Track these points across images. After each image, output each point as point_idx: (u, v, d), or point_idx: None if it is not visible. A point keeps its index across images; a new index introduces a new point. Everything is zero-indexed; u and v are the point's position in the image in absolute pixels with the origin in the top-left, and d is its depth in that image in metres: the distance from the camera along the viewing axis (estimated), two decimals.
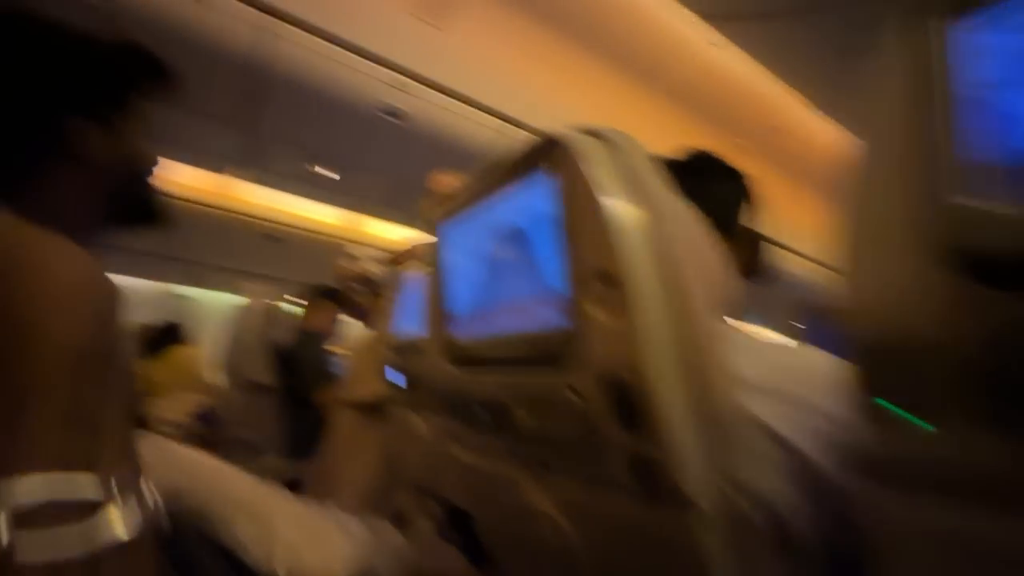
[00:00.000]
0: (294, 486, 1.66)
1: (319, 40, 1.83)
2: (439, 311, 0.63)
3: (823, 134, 2.49)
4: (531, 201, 0.46)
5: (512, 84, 2.17)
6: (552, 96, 2.24)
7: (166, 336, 3.00)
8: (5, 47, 0.55)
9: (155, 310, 4.32)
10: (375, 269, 1.37)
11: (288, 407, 1.70)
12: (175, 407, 2.45)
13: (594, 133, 0.43)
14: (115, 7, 1.57)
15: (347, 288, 1.35)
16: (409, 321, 1.07)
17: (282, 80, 1.90)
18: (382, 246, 3.68)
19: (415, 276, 1.08)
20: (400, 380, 1.05)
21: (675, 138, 2.47)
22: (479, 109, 2.19)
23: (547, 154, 0.44)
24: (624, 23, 2.00)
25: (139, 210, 0.66)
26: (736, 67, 2.13)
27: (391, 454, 1.25)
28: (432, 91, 2.08)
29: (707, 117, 2.38)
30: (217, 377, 2.42)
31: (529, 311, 0.47)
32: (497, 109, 2.21)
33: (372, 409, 1.42)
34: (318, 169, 2.62)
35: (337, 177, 2.69)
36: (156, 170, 0.68)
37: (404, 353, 1.03)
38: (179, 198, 3.06)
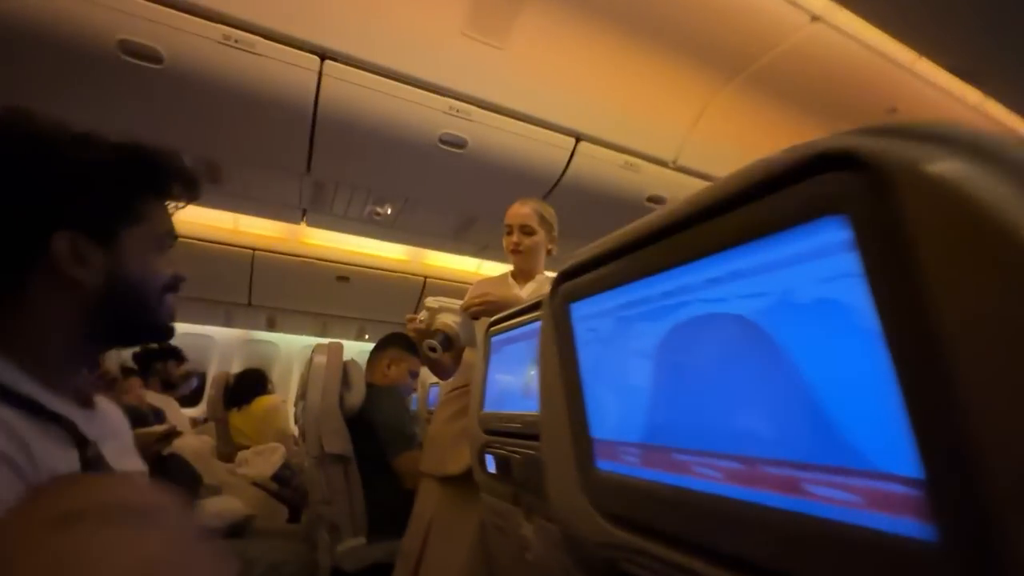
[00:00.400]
0: (377, 572, 1.52)
1: (373, 76, 1.73)
2: (579, 431, 0.42)
3: (952, 110, 2.08)
4: (796, 267, 0.25)
5: (580, 97, 1.97)
6: (627, 105, 2.02)
7: (251, 386, 3.04)
8: None
9: (238, 357, 4.51)
10: (454, 323, 1.19)
11: (366, 477, 1.55)
12: (260, 463, 2.43)
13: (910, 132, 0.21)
14: (169, 69, 1.54)
15: (424, 345, 1.18)
16: (506, 395, 0.88)
17: (340, 123, 1.82)
18: (451, 279, 3.62)
19: (509, 339, 0.89)
20: (494, 466, 0.86)
21: (780, 136, 2.17)
22: (545, 127, 2.01)
23: (832, 184, 0.23)
24: (700, 11, 1.75)
25: (141, 328, 0.59)
26: (842, 43, 1.80)
27: (489, 552, 1.07)
28: (493, 114, 1.93)
29: (812, 106, 2.05)
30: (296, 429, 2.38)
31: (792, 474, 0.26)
32: (565, 126, 2.03)
33: (463, 484, 1.24)
34: (380, 208, 2.56)
35: (398, 213, 2.61)
36: (174, 283, 0.61)
37: (501, 437, 0.83)
38: (256, 248, 3.13)
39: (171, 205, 0.62)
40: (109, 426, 0.60)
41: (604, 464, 0.39)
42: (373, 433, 1.57)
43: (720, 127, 2.20)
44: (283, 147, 1.98)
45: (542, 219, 1.44)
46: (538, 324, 0.81)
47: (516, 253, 1.43)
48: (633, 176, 2.23)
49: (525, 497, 0.78)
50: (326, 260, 3.34)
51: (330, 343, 1.60)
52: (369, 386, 1.67)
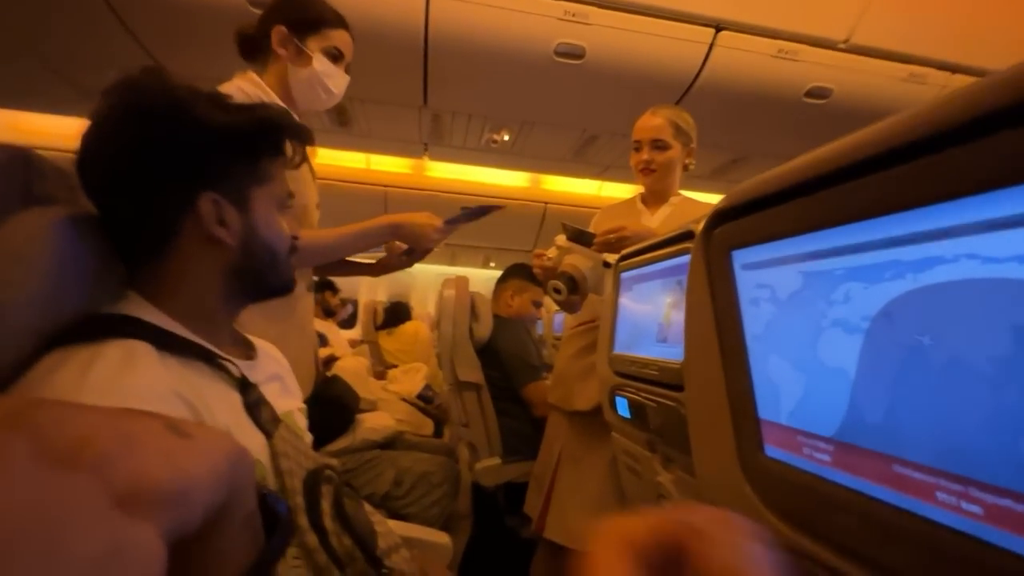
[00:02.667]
0: (511, 489, 1.63)
1: None
2: (742, 408, 0.35)
3: None
4: None
5: None
6: None
7: (397, 314, 3.38)
8: (142, 121, 0.52)
9: (381, 287, 5.01)
10: (583, 267, 1.12)
11: (498, 404, 1.63)
12: (407, 380, 2.72)
13: None
14: None
15: (548, 285, 1.14)
16: (639, 337, 0.81)
17: (451, 47, 1.74)
18: (572, 203, 3.51)
19: (643, 276, 0.80)
20: (627, 410, 0.81)
21: None
22: (676, 20, 1.71)
23: None
24: None
25: (271, 287, 0.62)
26: None
27: (620, 484, 1.05)
28: (614, 12, 1.68)
29: None
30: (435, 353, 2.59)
31: None
32: (702, 14, 1.71)
33: (591, 419, 1.23)
34: (496, 135, 2.49)
35: (515, 138, 2.52)
36: (295, 246, 0.63)
37: (634, 381, 0.78)
38: (388, 184, 3.31)
39: (287, 163, 0.63)
40: (270, 370, 0.66)
41: (776, 453, 0.32)
42: (501, 363, 1.63)
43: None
44: (399, 81, 1.97)
45: (677, 130, 1.25)
46: (675, 261, 0.71)
47: (647, 172, 1.27)
48: (788, 66, 1.84)
49: (661, 446, 0.73)
50: (449, 192, 3.43)
51: (457, 277, 1.64)
52: (495, 317, 1.71)
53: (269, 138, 0.58)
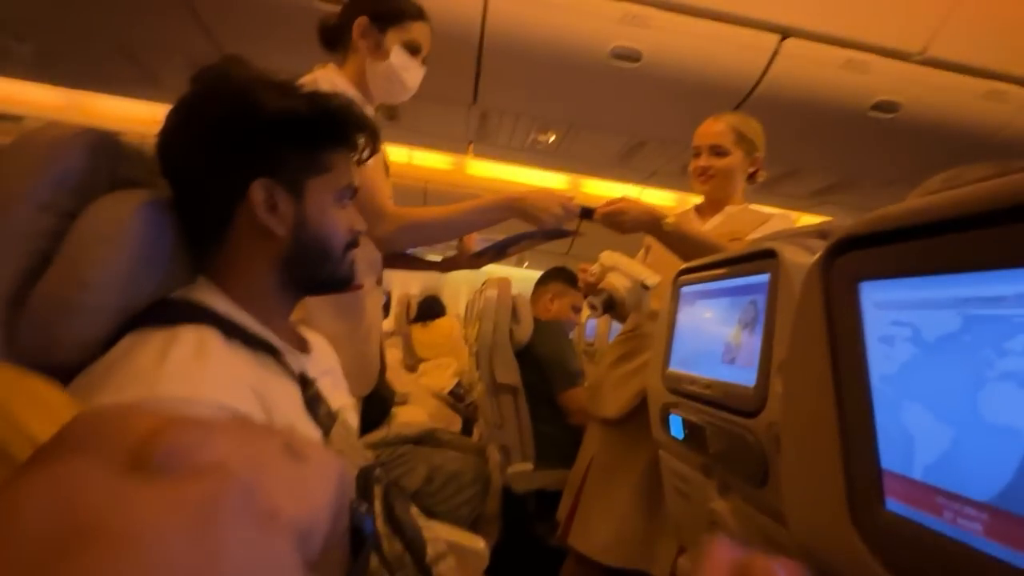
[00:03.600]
0: (542, 496, 1.61)
1: None
2: (859, 454, 0.32)
3: None
4: None
5: None
6: None
7: (431, 308, 3.40)
8: (207, 104, 0.53)
9: (415, 279, 5.06)
10: (622, 287, 1.10)
11: (534, 408, 1.61)
12: (438, 375, 2.73)
13: None
14: None
15: (587, 300, 1.12)
16: (698, 355, 0.77)
17: (507, 46, 1.73)
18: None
19: (707, 292, 0.77)
20: (681, 430, 0.78)
21: None
22: (741, 25, 1.66)
23: None
24: None
25: (325, 281, 0.61)
26: None
27: (652, 499, 1.02)
28: (676, 15, 1.64)
29: None
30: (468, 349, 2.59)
31: None
32: (769, 20, 1.65)
33: (623, 427, 1.20)
34: (542, 136, 2.47)
35: (561, 140, 2.49)
36: (355, 240, 0.62)
37: (691, 400, 0.74)
38: (428, 181, 3.34)
39: (353, 157, 0.62)
40: (324, 364, 0.66)
41: (902, 509, 0.29)
42: (539, 367, 1.61)
43: (992, 3, 1.59)
44: (451, 77, 1.97)
45: (740, 136, 1.20)
46: (748, 280, 0.68)
47: (704, 179, 1.23)
48: (856, 78, 1.75)
49: (720, 472, 0.70)
50: (490, 191, 3.42)
51: (499, 278, 1.63)
52: (535, 320, 1.69)
53: (330, 127, 0.57)
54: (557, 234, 1.11)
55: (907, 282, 0.28)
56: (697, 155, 1.24)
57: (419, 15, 1.07)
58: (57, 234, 0.46)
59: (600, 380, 1.32)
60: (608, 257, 1.15)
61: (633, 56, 1.73)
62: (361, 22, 1.02)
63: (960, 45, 1.70)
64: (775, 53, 1.71)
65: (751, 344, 0.61)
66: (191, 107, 0.53)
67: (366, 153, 0.63)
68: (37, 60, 2.20)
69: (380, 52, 1.03)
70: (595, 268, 1.17)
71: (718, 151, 1.21)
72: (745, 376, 0.61)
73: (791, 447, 0.37)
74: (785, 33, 1.68)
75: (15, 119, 3.00)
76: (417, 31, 1.06)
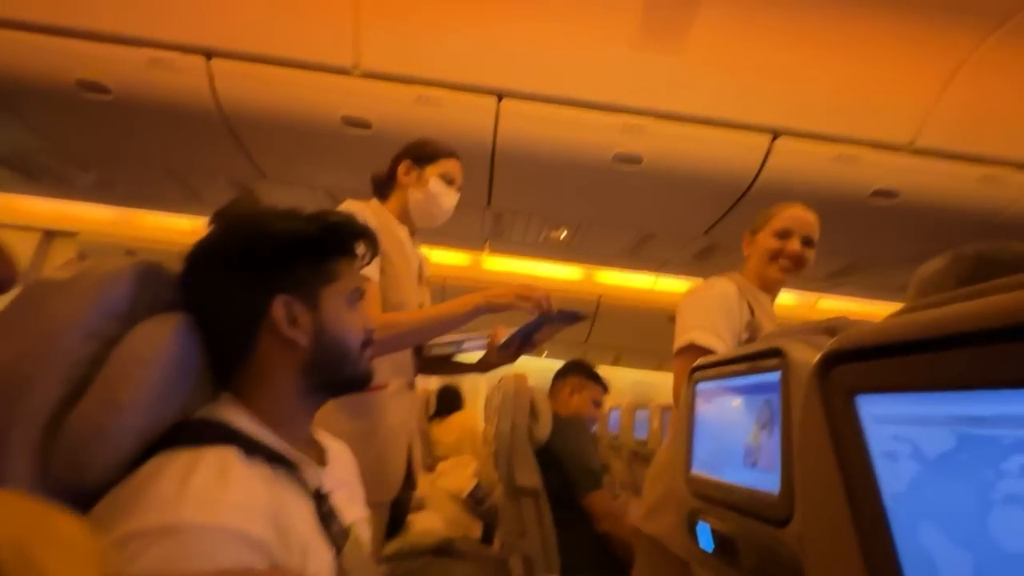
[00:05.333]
0: None
1: (545, 106, 1.75)
2: None
3: None
4: None
5: (775, 89, 1.71)
6: (841, 87, 1.69)
7: (449, 401, 3.35)
8: (228, 235, 0.59)
9: (438, 377, 5.02)
10: None
11: (557, 513, 1.52)
12: (456, 476, 2.62)
13: None
14: (376, 134, 1.76)
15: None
16: (722, 457, 0.75)
17: (517, 156, 1.88)
18: (626, 297, 3.49)
19: (723, 389, 0.76)
20: (710, 541, 0.73)
21: None
22: (731, 128, 1.79)
23: None
24: None
25: (346, 381, 0.64)
26: None
27: None
28: (670, 123, 1.78)
29: None
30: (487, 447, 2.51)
31: None
32: (757, 123, 1.78)
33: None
34: (555, 232, 2.58)
35: (573, 236, 2.60)
36: (369, 339, 0.66)
37: (719, 507, 0.71)
38: (446, 277, 3.45)
39: (357, 262, 0.67)
40: (340, 476, 0.66)
41: None
42: (560, 468, 1.55)
43: (978, 92, 1.70)
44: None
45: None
46: (760, 378, 0.67)
47: (796, 266, 1.22)
48: (850, 169, 1.84)
49: None
50: (505, 284, 3.51)
51: (515, 374, 1.63)
52: (554, 416, 1.65)
53: (334, 240, 0.63)
54: (570, 317, 1.13)
55: (901, 397, 0.28)
56: (785, 236, 1.22)
57: (452, 154, 1.27)
58: (98, 360, 0.49)
59: (664, 495, 1.11)
60: None
61: (634, 160, 1.86)
62: (405, 164, 1.24)
63: (949, 134, 1.79)
64: (768, 151, 1.82)
65: (771, 446, 0.59)
66: (213, 242, 0.59)
67: (367, 258, 0.69)
68: (96, 185, 2.46)
69: (421, 183, 1.23)
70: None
71: (809, 242, 1.23)
72: (769, 481, 0.59)
73: (816, 567, 0.35)
74: (775, 133, 1.80)
75: (70, 235, 3.28)
76: (451, 166, 1.26)
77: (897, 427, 0.29)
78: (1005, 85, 1.68)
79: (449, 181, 1.26)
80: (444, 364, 1.31)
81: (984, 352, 0.24)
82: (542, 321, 1.12)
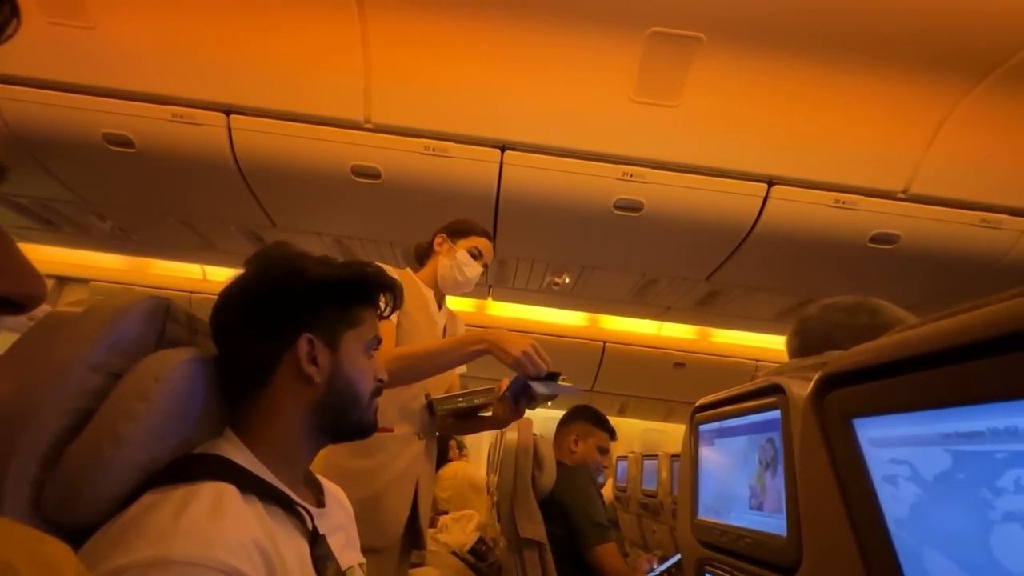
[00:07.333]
0: None
1: (547, 157, 1.82)
2: None
3: None
4: None
5: (769, 139, 1.78)
6: (833, 137, 1.75)
7: (444, 451, 3.26)
8: (263, 275, 0.62)
9: None
10: None
11: (562, 567, 1.45)
12: (458, 530, 2.52)
13: None
14: (386, 183, 1.83)
15: None
16: (728, 501, 0.73)
17: (520, 205, 1.94)
18: (630, 342, 3.46)
19: (724, 430, 0.75)
20: None
21: None
22: (727, 177, 1.84)
23: None
24: (932, 15, 1.45)
25: (350, 426, 0.65)
26: None
27: None
28: (669, 172, 1.84)
29: None
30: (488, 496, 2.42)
31: None
32: (753, 172, 1.83)
33: None
34: (558, 278, 2.61)
35: (576, 281, 2.62)
36: (379, 389, 0.67)
37: (728, 556, 0.68)
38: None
39: (378, 313, 0.70)
40: (337, 519, 0.65)
41: None
42: (565, 518, 1.49)
43: (966, 141, 1.75)
44: None
45: None
46: (761, 416, 0.66)
47: None
48: (848, 215, 1.87)
49: None
50: (510, 330, 3.50)
51: (519, 421, 1.59)
52: (558, 465, 1.60)
53: (360, 288, 0.67)
54: (567, 390, 1.13)
55: (895, 418, 0.29)
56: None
57: (485, 234, 1.41)
58: (101, 394, 0.50)
59: None
60: None
61: (635, 207, 1.91)
62: (441, 236, 1.40)
63: (942, 181, 1.83)
64: (765, 198, 1.86)
65: (775, 487, 0.58)
66: (248, 281, 0.62)
67: (388, 310, 0.71)
68: (112, 234, 2.53)
69: (451, 253, 1.37)
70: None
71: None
72: (775, 524, 0.57)
73: None
74: (771, 181, 1.85)
75: (82, 281, 3.35)
76: (481, 243, 1.39)
77: (894, 449, 0.28)
78: (992, 133, 1.73)
79: (476, 255, 1.38)
80: (460, 422, 1.32)
81: (970, 367, 0.25)
82: (532, 379, 1.11)
